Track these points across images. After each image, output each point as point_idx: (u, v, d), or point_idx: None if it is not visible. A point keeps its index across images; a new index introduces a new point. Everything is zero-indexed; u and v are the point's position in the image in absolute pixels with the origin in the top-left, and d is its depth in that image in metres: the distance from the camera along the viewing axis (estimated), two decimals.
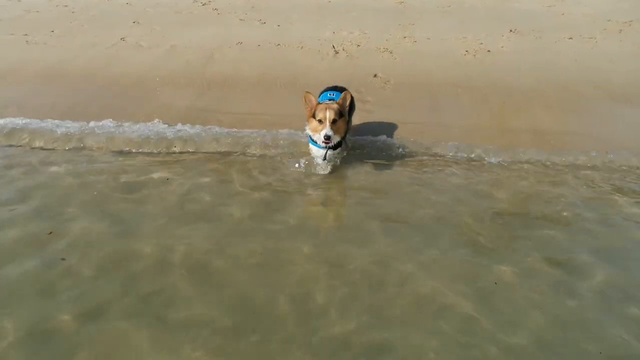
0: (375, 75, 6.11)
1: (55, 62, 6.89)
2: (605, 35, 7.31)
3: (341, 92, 4.21)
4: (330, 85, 4.58)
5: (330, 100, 4.10)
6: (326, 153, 4.05)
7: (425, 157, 4.42)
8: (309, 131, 4.06)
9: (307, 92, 3.98)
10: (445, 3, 8.92)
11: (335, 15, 8.33)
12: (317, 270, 2.97)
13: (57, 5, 9.64)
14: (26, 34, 8.05)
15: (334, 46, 6.96)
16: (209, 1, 9.48)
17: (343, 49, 6.90)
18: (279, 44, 7.16)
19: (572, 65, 6.35)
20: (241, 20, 8.34)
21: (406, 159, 4.40)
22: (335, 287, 2.84)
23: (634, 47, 6.81)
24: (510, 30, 7.53)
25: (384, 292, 2.82)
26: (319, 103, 3.97)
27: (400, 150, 4.49)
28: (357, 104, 5.00)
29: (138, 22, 8.42)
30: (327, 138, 3.81)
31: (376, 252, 3.15)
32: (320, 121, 3.87)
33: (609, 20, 7.84)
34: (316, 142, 4.02)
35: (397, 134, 4.78)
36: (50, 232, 3.28)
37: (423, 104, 5.44)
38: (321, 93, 4.44)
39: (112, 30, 8.06)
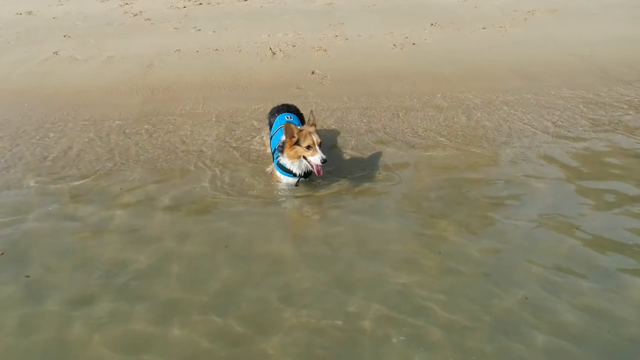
0: (313, 72, 6.49)
1: None
2: (513, 23, 8.14)
3: (295, 112, 4.29)
4: (280, 104, 4.54)
5: (288, 122, 3.94)
6: (298, 181, 3.93)
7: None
8: (283, 160, 3.82)
9: (288, 123, 3.76)
10: (370, 2, 9.49)
11: (268, 19, 8.65)
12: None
13: None
14: None
15: (271, 48, 7.28)
16: (140, 12, 9.49)
17: (280, 50, 7.23)
18: (217, 49, 7.37)
19: (487, 52, 7.06)
20: (176, 28, 8.45)
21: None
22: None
23: (537, 32, 7.67)
24: (431, 24, 8.17)
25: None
26: (300, 130, 3.75)
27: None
28: (299, 100, 5.36)
29: (69, 36, 8.30)
30: (324, 161, 3.66)
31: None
32: (308, 147, 3.68)
33: (515, 11, 8.71)
34: (288, 171, 3.86)
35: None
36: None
37: (359, 93, 5.87)
38: (279, 113, 4.32)
39: (42, 45, 7.91)
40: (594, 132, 4.79)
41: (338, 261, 3.08)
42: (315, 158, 3.68)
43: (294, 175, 3.89)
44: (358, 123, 5.10)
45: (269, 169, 4.22)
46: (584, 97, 5.64)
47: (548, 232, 3.30)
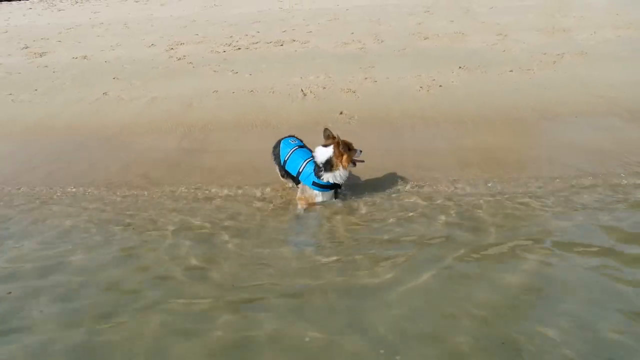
0: (341, 113, 6.79)
1: (41, 118, 7.37)
2: (541, 66, 8.25)
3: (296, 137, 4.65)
4: (287, 134, 4.76)
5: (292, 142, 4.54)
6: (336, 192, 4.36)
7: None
8: (329, 175, 4.12)
9: (335, 140, 4.15)
10: (401, 46, 9.84)
11: (301, 63, 9.11)
12: None
13: (37, 67, 10.18)
14: (10, 93, 8.53)
15: (302, 89, 7.67)
16: (184, 56, 10.19)
17: (310, 92, 7.61)
18: (251, 91, 7.83)
19: (514, 94, 7.18)
20: (215, 71, 9.02)
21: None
22: None
23: (564, 74, 7.74)
24: (459, 67, 8.39)
25: None
26: (337, 139, 4.14)
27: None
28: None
29: (118, 78, 9.01)
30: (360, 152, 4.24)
31: None
32: (350, 149, 4.15)
33: (544, 54, 8.83)
34: (325, 186, 4.19)
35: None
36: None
37: (384, 134, 6.09)
38: (281, 141, 4.62)
39: (93, 86, 8.62)
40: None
41: None
42: (358, 153, 4.26)
43: (332, 187, 4.27)
44: (380, 161, 5.30)
45: (298, 195, 4.42)
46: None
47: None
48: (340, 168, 4.19)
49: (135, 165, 5.60)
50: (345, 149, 4.17)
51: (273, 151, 4.70)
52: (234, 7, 15.76)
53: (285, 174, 4.55)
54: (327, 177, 4.20)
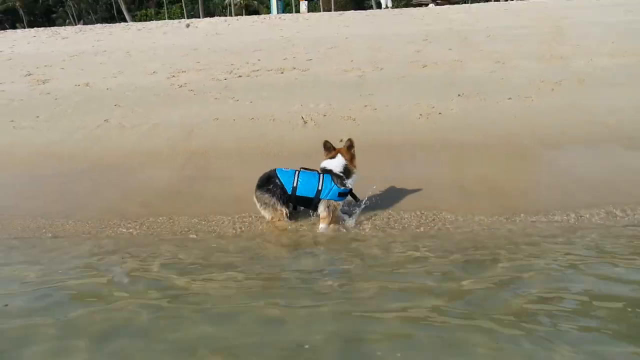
0: (341, 140, 6.77)
1: (43, 145, 7.39)
2: (540, 94, 8.33)
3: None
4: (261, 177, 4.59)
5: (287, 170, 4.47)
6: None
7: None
8: (349, 181, 4.31)
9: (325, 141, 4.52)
10: (400, 74, 9.96)
11: (302, 90, 9.20)
12: None
13: (40, 94, 10.27)
14: (12, 120, 8.57)
15: (302, 117, 7.72)
16: (185, 83, 10.29)
17: (311, 119, 7.66)
18: (252, 118, 7.88)
19: (513, 121, 7.23)
20: (216, 99, 9.10)
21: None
22: None
23: (563, 101, 7.81)
24: (458, 95, 8.47)
25: None
26: (346, 144, 4.45)
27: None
28: None
29: (119, 105, 9.07)
30: None
31: None
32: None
33: (542, 81, 8.93)
34: (344, 195, 4.33)
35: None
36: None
37: (385, 161, 6.10)
38: (275, 172, 4.47)
39: (95, 113, 8.67)
40: None
41: None
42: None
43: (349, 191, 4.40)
44: (380, 188, 5.29)
45: (323, 215, 4.35)
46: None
47: None
48: (354, 171, 4.39)
49: (136, 193, 5.58)
50: (352, 148, 4.46)
51: (265, 187, 4.42)
52: (236, 35, 16.03)
53: (295, 202, 4.43)
54: (349, 184, 4.37)
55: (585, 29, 12.83)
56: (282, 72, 10.61)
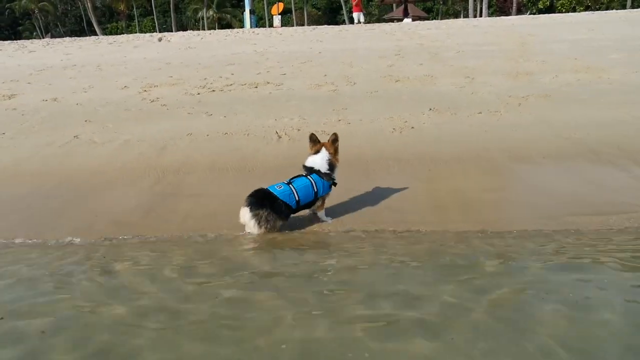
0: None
1: (9, 162, 7.16)
2: (508, 108, 8.57)
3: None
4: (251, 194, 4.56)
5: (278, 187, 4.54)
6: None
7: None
8: (335, 173, 4.79)
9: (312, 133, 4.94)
10: (373, 89, 10.11)
11: (276, 105, 9.23)
12: None
13: (5, 109, 9.99)
14: None
15: (277, 131, 7.72)
16: (157, 98, 10.19)
17: (285, 134, 7.67)
18: (226, 133, 7.84)
19: (483, 135, 7.40)
20: (189, 113, 9.03)
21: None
22: None
23: (531, 116, 8.05)
24: (430, 109, 8.64)
25: None
26: (328, 139, 4.86)
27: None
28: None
29: (90, 121, 8.90)
30: None
31: None
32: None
33: (510, 96, 9.20)
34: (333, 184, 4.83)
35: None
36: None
37: (358, 175, 6.14)
38: (268, 193, 4.48)
39: (64, 129, 8.48)
40: None
41: None
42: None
43: None
44: (353, 202, 5.32)
45: (321, 208, 4.87)
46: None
47: None
48: (336, 165, 4.81)
49: (107, 211, 5.45)
50: (337, 146, 4.85)
51: (267, 209, 4.39)
52: (209, 49, 16.01)
53: (298, 210, 4.65)
54: (335, 176, 4.80)
55: (550, 46, 13.32)
56: (256, 87, 10.63)
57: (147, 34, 25.48)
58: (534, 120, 7.93)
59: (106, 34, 43.28)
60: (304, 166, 4.72)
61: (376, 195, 5.56)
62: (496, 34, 16.08)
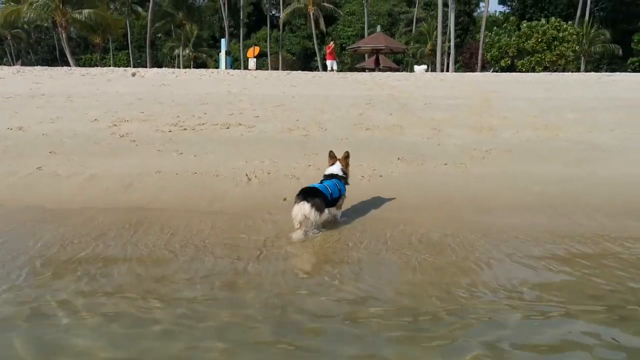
0: (284, 199, 6.88)
1: None
2: (473, 161, 8.90)
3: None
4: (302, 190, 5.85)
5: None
6: None
7: None
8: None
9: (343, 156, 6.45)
10: (343, 135, 10.35)
11: (247, 147, 9.30)
12: None
13: None
14: None
15: (247, 174, 7.75)
16: (127, 133, 10.11)
17: (255, 176, 7.71)
18: (196, 172, 7.81)
19: (449, 187, 7.64)
20: (159, 151, 8.98)
21: None
22: None
23: (494, 169, 8.39)
24: (398, 158, 8.88)
25: None
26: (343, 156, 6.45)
27: None
28: (269, 225, 5.70)
29: (55, 152, 8.72)
30: None
31: None
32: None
33: (474, 149, 9.57)
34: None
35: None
36: None
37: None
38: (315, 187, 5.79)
39: (27, 160, 8.27)
40: None
41: None
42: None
43: None
44: (323, 249, 5.33)
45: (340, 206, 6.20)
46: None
47: None
48: (348, 171, 6.34)
49: (68, 247, 5.27)
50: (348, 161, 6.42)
51: (319, 198, 5.60)
52: (183, 87, 16.10)
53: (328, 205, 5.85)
54: (348, 181, 6.30)
55: (511, 103, 14.03)
56: (228, 128, 10.71)
57: (122, 68, 25.49)
58: (496, 173, 8.26)
59: (80, 65, 42.98)
60: (325, 175, 6.15)
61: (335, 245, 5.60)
62: (462, 89, 16.83)
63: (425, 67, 38.56)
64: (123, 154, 8.78)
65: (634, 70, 48.09)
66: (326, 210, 5.78)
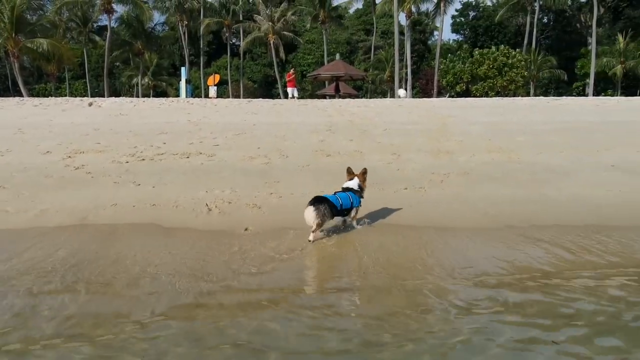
0: (246, 229, 6.80)
1: None
2: (431, 185, 9.10)
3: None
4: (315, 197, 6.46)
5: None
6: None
7: None
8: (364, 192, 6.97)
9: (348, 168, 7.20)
10: (305, 162, 10.39)
11: (207, 176, 9.18)
12: None
13: None
14: None
15: (207, 204, 7.63)
16: (82, 165, 9.80)
17: (216, 206, 7.59)
18: (154, 204, 7.63)
19: (408, 209, 7.76)
20: (116, 182, 8.73)
21: None
22: None
23: (452, 192, 8.59)
24: None
25: None
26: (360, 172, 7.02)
27: None
28: (232, 257, 5.59)
29: (3, 187, 8.34)
30: None
31: None
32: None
33: (433, 173, 9.79)
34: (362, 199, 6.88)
35: None
36: None
37: (285, 253, 6.13)
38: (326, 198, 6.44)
39: None
40: None
41: None
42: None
43: None
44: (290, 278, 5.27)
45: (355, 217, 6.96)
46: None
47: None
48: (364, 188, 6.94)
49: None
50: (365, 177, 6.98)
51: (324, 205, 6.27)
52: (141, 117, 15.87)
53: (340, 213, 6.58)
54: (364, 194, 6.92)
55: (467, 127, 14.52)
56: (188, 157, 10.57)
57: (77, 98, 24.93)
58: (454, 196, 8.46)
59: (33, 95, 41.74)
60: (342, 187, 6.76)
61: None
62: (419, 114, 17.31)
63: (405, 91, 41.79)
64: (77, 186, 8.49)
65: (579, 94, 51.05)
66: (337, 217, 6.66)
